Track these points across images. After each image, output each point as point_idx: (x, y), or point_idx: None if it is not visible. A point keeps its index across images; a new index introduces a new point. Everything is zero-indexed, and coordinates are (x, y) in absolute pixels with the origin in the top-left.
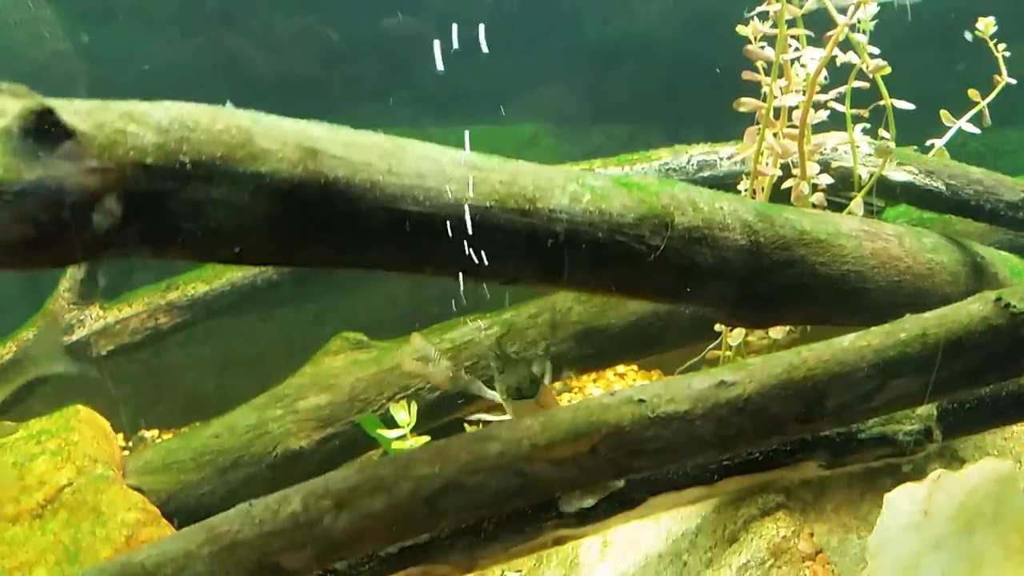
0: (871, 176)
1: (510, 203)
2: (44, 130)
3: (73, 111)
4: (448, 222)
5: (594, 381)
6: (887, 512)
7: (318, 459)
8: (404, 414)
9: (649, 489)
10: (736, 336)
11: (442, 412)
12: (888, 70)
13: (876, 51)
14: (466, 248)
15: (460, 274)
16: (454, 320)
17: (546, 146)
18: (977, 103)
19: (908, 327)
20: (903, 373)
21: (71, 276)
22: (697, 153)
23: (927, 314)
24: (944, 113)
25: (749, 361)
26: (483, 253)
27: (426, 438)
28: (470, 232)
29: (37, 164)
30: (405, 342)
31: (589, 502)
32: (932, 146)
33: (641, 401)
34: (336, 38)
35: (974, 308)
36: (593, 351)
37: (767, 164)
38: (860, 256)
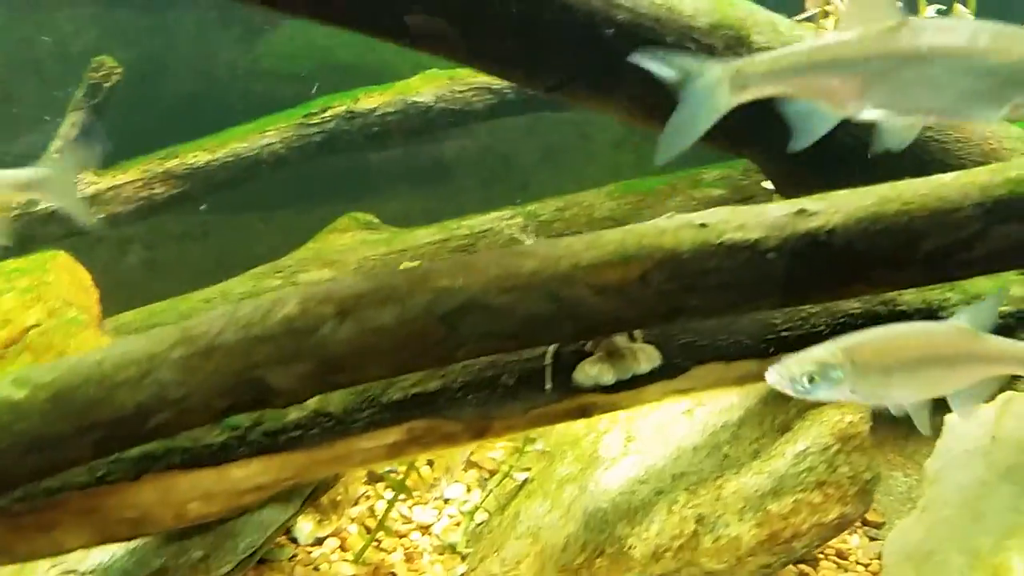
0: None
1: None
2: None
3: None
4: None
5: None
6: (949, 435)
7: None
8: None
9: (694, 356)
10: None
11: None
12: None
13: None
14: (517, 22)
15: (504, 66)
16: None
17: None
18: None
19: (1021, 163)
20: (1010, 218)
21: (63, 135)
22: None
23: None
24: None
25: (832, 193)
26: (537, 34)
27: None
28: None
29: None
30: (419, 229)
31: (608, 378)
32: None
33: (703, 226)
34: None
35: None
36: None
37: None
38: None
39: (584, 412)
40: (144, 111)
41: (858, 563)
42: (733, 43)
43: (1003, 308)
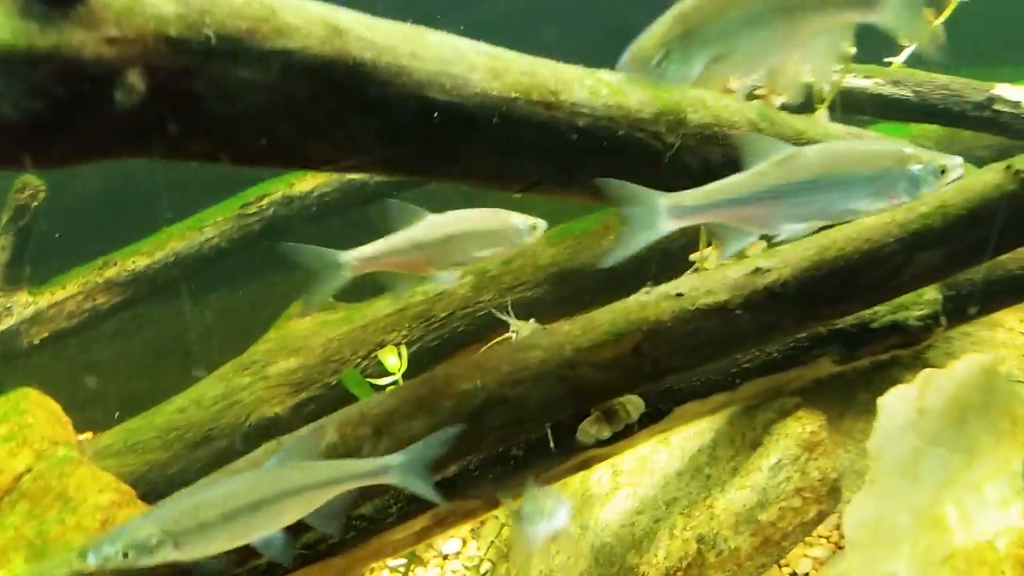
0: (833, 86)
1: (534, 95)
2: None
3: None
4: (475, 113)
5: None
6: (883, 415)
7: (295, 426)
8: (394, 359)
9: (675, 399)
10: (713, 262)
11: (425, 364)
12: None
13: None
14: (494, 142)
15: (484, 180)
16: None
17: None
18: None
19: (928, 200)
20: (927, 246)
21: None
22: None
23: (944, 188)
24: None
25: (779, 248)
26: (511, 148)
27: None
28: (498, 125)
29: (51, 30)
30: (376, 302)
31: (605, 433)
32: (890, 64)
33: (679, 295)
34: None
35: (988, 177)
36: (568, 293)
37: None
38: None
39: (585, 465)
40: (64, 218)
41: (820, 536)
42: (674, 126)
43: (920, 312)
